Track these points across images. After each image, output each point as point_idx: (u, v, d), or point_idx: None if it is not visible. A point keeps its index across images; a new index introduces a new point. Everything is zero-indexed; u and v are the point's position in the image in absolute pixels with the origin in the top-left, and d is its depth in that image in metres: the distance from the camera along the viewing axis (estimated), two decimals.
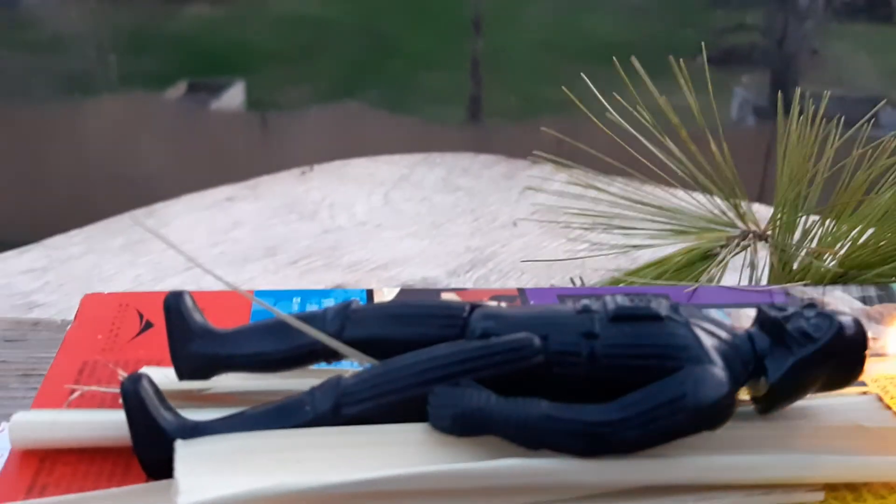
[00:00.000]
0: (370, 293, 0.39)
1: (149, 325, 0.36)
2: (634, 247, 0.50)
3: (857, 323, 0.28)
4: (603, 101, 0.50)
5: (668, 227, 0.48)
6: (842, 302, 0.39)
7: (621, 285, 0.45)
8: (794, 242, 0.47)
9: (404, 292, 0.39)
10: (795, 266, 0.46)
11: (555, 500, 0.27)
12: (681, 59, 0.49)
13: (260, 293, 0.39)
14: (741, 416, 0.29)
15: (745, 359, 0.28)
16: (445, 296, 0.39)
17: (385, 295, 0.39)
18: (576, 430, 0.26)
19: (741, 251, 0.46)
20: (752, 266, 0.46)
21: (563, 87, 0.56)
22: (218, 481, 0.24)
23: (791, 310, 0.28)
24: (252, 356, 0.31)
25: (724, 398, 0.26)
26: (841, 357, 0.28)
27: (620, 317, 0.28)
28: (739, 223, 0.48)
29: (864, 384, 0.34)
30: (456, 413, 0.26)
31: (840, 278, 0.43)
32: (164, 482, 0.27)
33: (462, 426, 0.26)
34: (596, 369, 0.27)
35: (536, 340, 0.28)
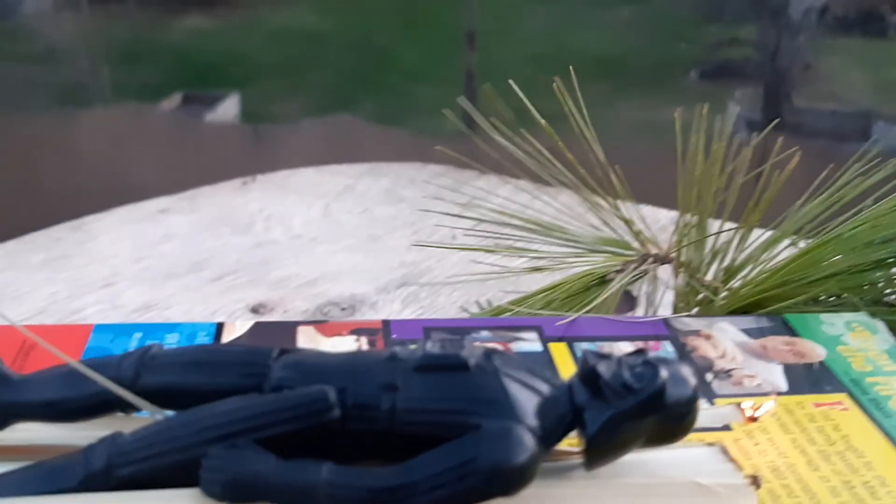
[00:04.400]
0: (220, 327, 0.36)
1: None
2: (535, 269, 0.47)
3: (686, 374, 0.25)
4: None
5: (565, 249, 0.45)
6: (725, 334, 0.37)
7: (506, 315, 0.43)
8: (699, 265, 0.44)
9: (259, 326, 0.37)
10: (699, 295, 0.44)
11: None
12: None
13: (100, 327, 0.36)
14: (566, 473, 0.26)
15: (561, 412, 0.25)
16: (302, 329, 0.37)
17: (237, 329, 0.37)
18: (358, 497, 0.23)
19: (639, 276, 0.44)
20: (649, 292, 0.43)
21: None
22: None
23: (615, 358, 0.26)
24: (44, 404, 0.28)
25: (522, 460, 0.23)
26: (665, 410, 0.25)
27: (425, 367, 0.25)
28: (636, 245, 0.45)
29: (728, 427, 0.31)
30: (227, 479, 0.24)
31: (743, 310, 0.41)
32: None
33: (234, 493, 0.24)
34: (395, 425, 0.25)
35: (331, 394, 0.25)
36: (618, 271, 0.43)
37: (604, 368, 0.25)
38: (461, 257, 0.73)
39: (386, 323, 0.37)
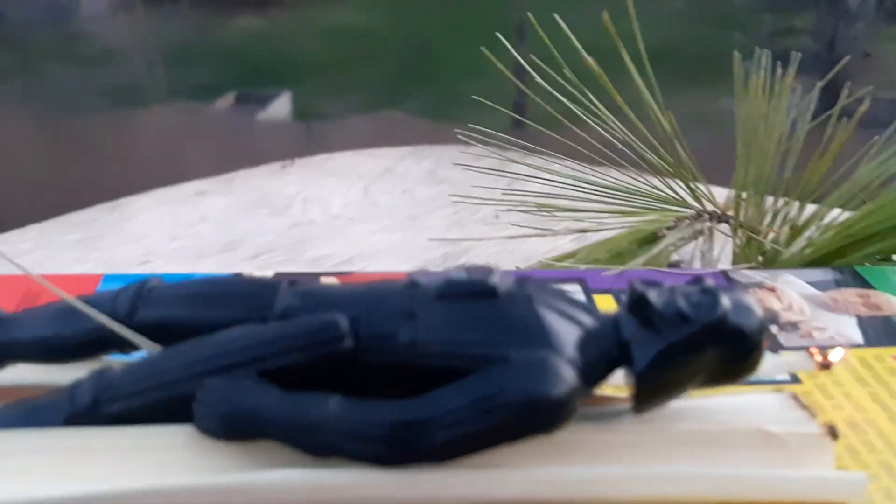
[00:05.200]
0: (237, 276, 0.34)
1: None
2: (581, 231, 0.44)
3: (750, 303, 0.22)
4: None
5: (617, 208, 0.42)
6: (790, 287, 0.33)
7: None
8: (759, 221, 0.41)
9: (279, 276, 0.34)
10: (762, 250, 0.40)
11: None
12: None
13: (110, 277, 0.34)
14: (612, 419, 0.23)
15: (604, 346, 0.22)
16: (326, 280, 0.34)
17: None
18: (373, 433, 0.20)
19: (695, 234, 0.40)
20: (705, 250, 0.39)
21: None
22: None
23: (668, 286, 0.22)
24: (36, 342, 0.26)
25: (558, 393, 0.20)
26: (726, 344, 0.22)
27: (448, 294, 0.22)
28: (693, 203, 0.41)
29: (797, 380, 0.28)
30: (224, 412, 0.21)
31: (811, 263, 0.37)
32: None
33: (231, 428, 0.21)
34: (413, 358, 0.22)
35: (343, 322, 0.22)
36: (669, 228, 0.40)
37: (654, 296, 0.22)
38: (501, 238, 0.70)
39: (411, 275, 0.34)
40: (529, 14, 0.51)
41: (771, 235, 0.40)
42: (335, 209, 0.76)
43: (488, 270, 0.23)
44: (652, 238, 0.40)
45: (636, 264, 0.36)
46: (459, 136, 0.48)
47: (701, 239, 0.40)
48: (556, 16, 0.45)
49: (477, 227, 0.73)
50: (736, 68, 0.40)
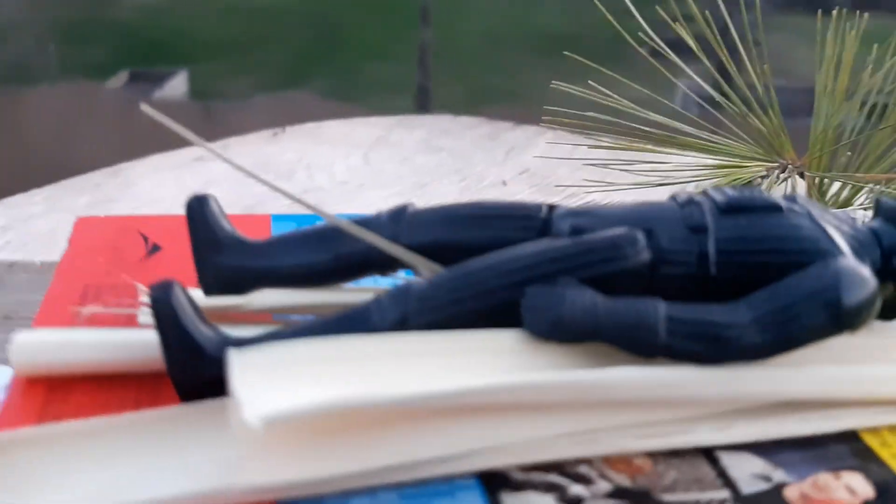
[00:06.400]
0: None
1: (156, 248, 0.32)
2: (669, 184, 0.46)
3: None
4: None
5: (707, 161, 0.44)
6: None
7: None
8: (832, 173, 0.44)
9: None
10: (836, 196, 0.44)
11: (672, 417, 0.23)
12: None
13: (278, 217, 0.34)
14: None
15: (872, 255, 0.24)
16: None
17: None
18: (701, 332, 0.22)
19: (782, 182, 0.43)
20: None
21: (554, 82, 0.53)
22: (285, 393, 0.20)
23: None
24: (294, 268, 0.26)
25: (871, 294, 0.22)
26: None
27: (733, 208, 0.24)
28: (778, 157, 0.45)
29: None
30: (557, 316, 0.22)
31: None
32: (212, 402, 0.22)
33: (565, 331, 0.22)
34: (708, 268, 0.24)
35: (640, 236, 0.24)
36: (763, 177, 0.43)
37: None
38: (519, 200, 0.72)
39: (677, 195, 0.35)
40: None
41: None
42: (340, 175, 0.76)
43: (757, 189, 0.25)
44: (748, 185, 0.43)
45: None
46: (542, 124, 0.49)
47: (783, 186, 0.44)
48: None
49: (486, 192, 0.74)
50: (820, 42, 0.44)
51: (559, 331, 0.22)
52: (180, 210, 0.71)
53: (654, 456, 0.23)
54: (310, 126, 0.88)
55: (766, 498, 0.22)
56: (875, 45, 0.44)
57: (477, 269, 0.24)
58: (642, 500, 0.22)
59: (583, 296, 0.23)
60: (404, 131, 0.87)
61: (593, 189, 0.50)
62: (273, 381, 0.21)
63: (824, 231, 0.24)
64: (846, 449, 0.24)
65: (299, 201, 0.26)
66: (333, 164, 0.78)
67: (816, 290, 0.22)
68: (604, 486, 0.22)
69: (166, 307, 0.23)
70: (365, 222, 0.26)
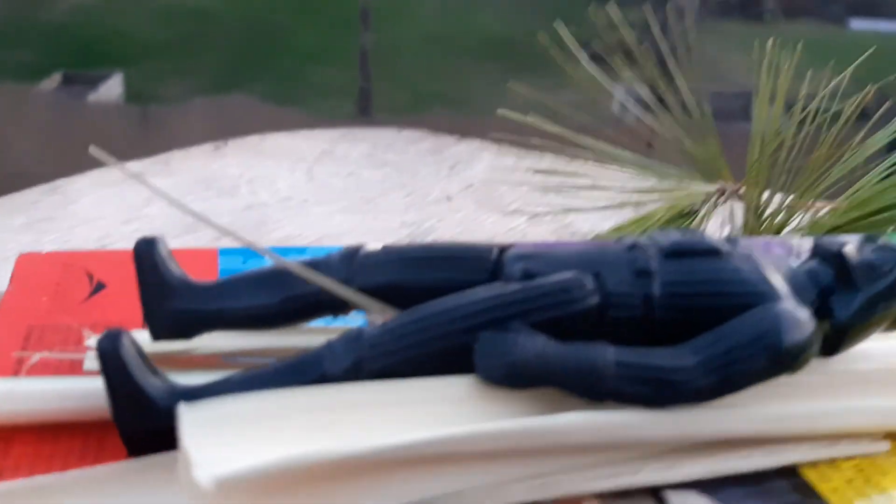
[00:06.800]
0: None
1: (100, 286, 0.31)
2: (607, 207, 0.47)
3: None
4: None
5: (644, 187, 0.45)
6: None
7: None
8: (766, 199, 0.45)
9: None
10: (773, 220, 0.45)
11: (620, 458, 0.23)
12: None
13: (225, 251, 0.34)
14: None
15: (810, 297, 0.25)
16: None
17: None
18: (648, 377, 0.23)
19: (719, 207, 0.44)
20: (730, 221, 0.44)
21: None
22: (237, 450, 0.20)
23: (850, 243, 0.26)
24: (243, 311, 0.26)
25: (810, 336, 0.23)
26: None
27: (677, 252, 0.25)
28: (717, 179, 0.46)
29: None
30: (509, 361, 0.23)
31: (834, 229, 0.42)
32: (156, 458, 0.22)
33: (517, 377, 0.23)
34: (653, 311, 0.24)
35: (589, 281, 0.24)
36: (703, 202, 0.44)
37: (850, 251, 0.25)
38: (464, 216, 0.72)
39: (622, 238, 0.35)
40: None
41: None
42: (284, 191, 0.76)
43: (699, 233, 0.26)
44: (687, 212, 0.44)
45: None
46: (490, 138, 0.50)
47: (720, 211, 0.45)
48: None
49: (430, 208, 0.75)
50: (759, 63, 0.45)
51: (511, 377, 0.23)
52: (120, 230, 0.69)
53: (604, 498, 0.24)
54: (253, 139, 0.88)
55: None
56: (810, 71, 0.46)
57: (429, 314, 0.24)
58: None
59: (534, 341, 0.23)
60: (348, 145, 0.87)
61: (539, 210, 0.50)
62: (224, 438, 0.21)
63: (764, 274, 0.24)
64: (786, 484, 0.25)
65: (235, 236, 0.26)
66: (277, 179, 0.78)
67: (758, 335, 0.23)
68: None
69: (114, 358, 0.22)
70: (316, 264, 0.26)
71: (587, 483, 0.23)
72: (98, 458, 0.23)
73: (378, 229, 0.70)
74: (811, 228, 0.45)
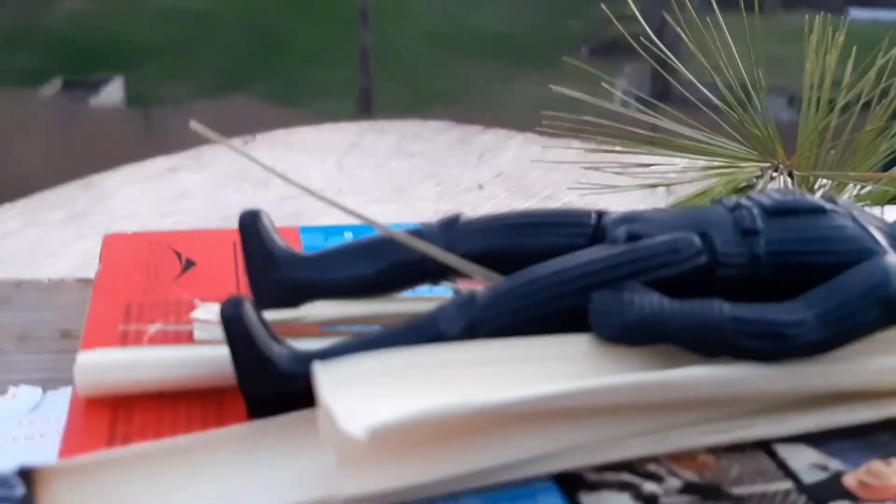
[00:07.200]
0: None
1: (190, 263, 0.32)
2: (666, 185, 0.47)
3: None
4: None
5: (701, 163, 0.45)
6: None
7: None
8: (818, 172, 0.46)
9: None
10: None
11: (732, 413, 0.24)
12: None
13: (305, 229, 0.35)
14: None
15: None
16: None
17: None
18: (765, 331, 0.23)
19: (773, 181, 0.45)
20: None
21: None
22: (376, 403, 0.20)
23: None
24: (348, 280, 0.27)
25: None
26: None
27: (781, 211, 0.25)
28: (770, 158, 0.46)
29: None
30: (628, 320, 0.23)
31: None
32: (288, 416, 0.23)
33: (634, 334, 0.23)
34: (759, 269, 0.25)
35: (697, 240, 0.25)
36: (758, 177, 0.44)
37: None
38: (497, 203, 0.72)
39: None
40: None
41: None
42: (317, 182, 0.76)
43: (798, 192, 0.26)
44: (743, 186, 0.44)
45: None
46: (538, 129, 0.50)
47: (776, 185, 0.45)
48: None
49: (462, 196, 0.75)
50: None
51: (628, 334, 0.23)
52: (159, 223, 0.69)
53: (716, 452, 0.24)
54: (280, 133, 0.88)
55: (827, 487, 0.23)
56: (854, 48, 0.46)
57: (541, 276, 0.24)
58: (713, 494, 0.23)
59: (650, 299, 0.23)
60: (375, 137, 0.88)
61: (588, 192, 0.51)
62: (361, 393, 0.21)
63: (867, 230, 0.25)
64: (891, 436, 0.25)
65: (354, 213, 0.26)
66: (309, 171, 0.78)
67: (870, 287, 0.23)
68: (674, 482, 0.23)
69: (238, 324, 0.23)
70: (416, 233, 0.27)
71: (701, 437, 0.24)
72: (218, 423, 0.24)
73: (413, 218, 0.70)
74: (860, 201, 0.45)
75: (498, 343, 0.23)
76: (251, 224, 0.27)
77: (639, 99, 0.51)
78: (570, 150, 0.56)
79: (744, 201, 0.26)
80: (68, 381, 0.25)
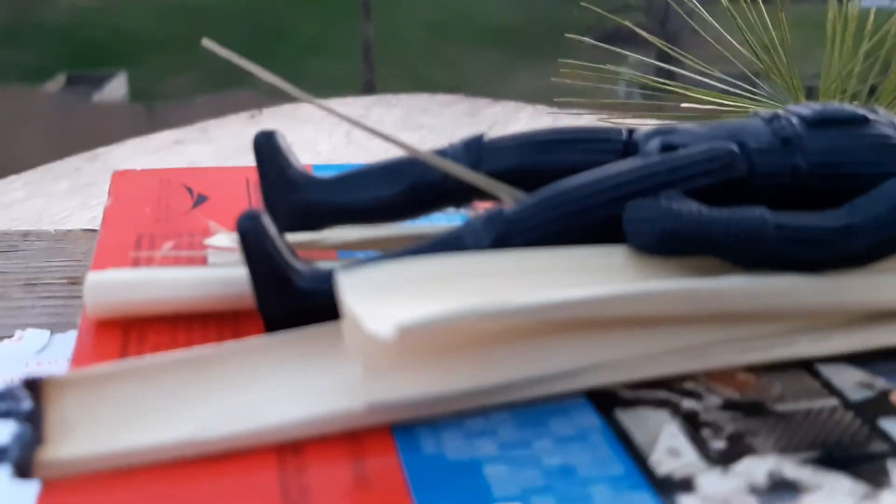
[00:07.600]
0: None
1: (202, 198, 0.31)
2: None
3: None
4: None
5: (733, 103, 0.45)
6: None
7: None
8: None
9: None
10: None
11: (774, 330, 0.23)
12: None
13: (319, 167, 0.34)
14: None
15: None
16: None
17: None
18: (809, 238, 0.22)
19: None
20: None
21: None
22: (401, 308, 0.19)
23: None
24: (368, 202, 0.25)
25: None
26: None
27: (821, 121, 0.24)
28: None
29: None
30: (664, 228, 0.22)
31: None
32: (311, 329, 0.21)
33: (672, 242, 0.22)
34: (800, 179, 0.24)
35: (736, 149, 0.23)
36: None
37: None
38: None
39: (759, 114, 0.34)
40: None
41: None
42: (326, 153, 0.75)
43: (838, 103, 0.25)
44: None
45: None
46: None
47: None
48: None
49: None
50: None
51: (666, 243, 0.22)
52: None
53: (756, 370, 0.23)
54: (287, 107, 0.87)
55: (874, 404, 0.22)
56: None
57: (573, 188, 0.23)
58: (755, 411, 0.22)
59: (689, 206, 0.22)
60: (383, 110, 0.86)
61: None
62: (386, 299, 0.20)
63: None
64: None
65: (407, 147, 0.25)
66: (317, 143, 0.77)
67: None
68: (714, 399, 0.22)
69: (256, 237, 0.22)
70: (439, 153, 0.26)
71: (741, 355, 0.23)
72: None
73: None
74: None
75: (529, 252, 0.22)
76: (267, 145, 0.26)
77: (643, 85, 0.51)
78: (580, 122, 0.55)
79: (781, 112, 0.25)
80: (76, 325, 0.24)
